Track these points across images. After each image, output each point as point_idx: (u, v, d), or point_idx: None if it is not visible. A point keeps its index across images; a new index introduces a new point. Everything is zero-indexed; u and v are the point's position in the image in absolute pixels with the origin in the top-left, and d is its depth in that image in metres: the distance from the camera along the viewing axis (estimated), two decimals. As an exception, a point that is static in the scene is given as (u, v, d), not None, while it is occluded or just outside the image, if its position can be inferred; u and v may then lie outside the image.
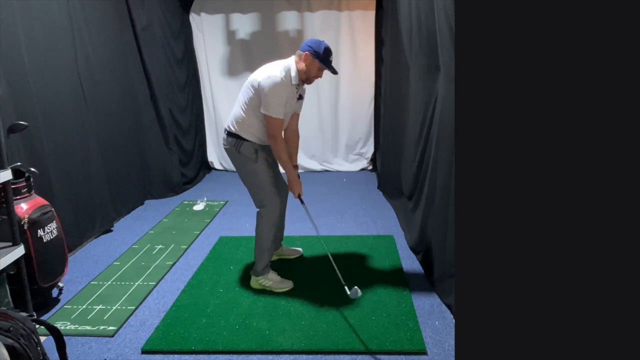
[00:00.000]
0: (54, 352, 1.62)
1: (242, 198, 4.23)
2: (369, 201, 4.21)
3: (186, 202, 4.29)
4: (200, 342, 2.10)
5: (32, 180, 2.41)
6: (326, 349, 2.04)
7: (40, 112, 2.82)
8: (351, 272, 2.71)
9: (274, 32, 5.04)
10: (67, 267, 2.56)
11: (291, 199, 2.70)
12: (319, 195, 4.35)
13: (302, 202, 2.60)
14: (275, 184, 2.52)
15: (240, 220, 3.79)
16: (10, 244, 2.11)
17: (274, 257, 2.89)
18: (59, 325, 2.26)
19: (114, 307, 2.43)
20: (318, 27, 4.98)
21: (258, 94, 2.34)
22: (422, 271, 2.77)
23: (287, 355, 2.02)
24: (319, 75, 2.45)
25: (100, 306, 2.45)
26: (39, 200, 2.40)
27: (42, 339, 1.64)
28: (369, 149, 5.41)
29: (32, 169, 2.39)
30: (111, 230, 3.59)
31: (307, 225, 3.56)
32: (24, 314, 1.54)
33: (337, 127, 5.35)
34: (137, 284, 2.70)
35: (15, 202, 2.19)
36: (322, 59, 2.37)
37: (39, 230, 2.32)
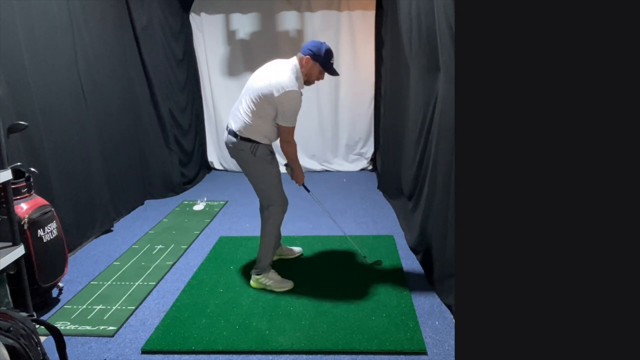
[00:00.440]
0: (54, 352, 1.61)
1: (242, 198, 4.23)
2: (369, 201, 4.21)
3: (186, 202, 4.28)
4: (200, 342, 2.10)
5: (32, 180, 2.41)
6: (326, 349, 2.04)
7: (40, 112, 2.82)
8: (351, 272, 2.75)
9: (274, 32, 5.04)
10: (67, 267, 2.56)
11: (292, 199, 2.71)
12: (319, 196, 4.32)
13: (307, 189, 2.75)
14: (281, 183, 2.58)
15: (240, 220, 3.78)
16: (10, 244, 2.11)
17: (275, 257, 2.89)
18: (59, 325, 2.26)
19: (114, 307, 2.44)
20: (318, 27, 4.98)
21: (273, 104, 2.32)
22: (422, 271, 2.77)
23: (287, 355, 2.02)
24: (320, 77, 2.45)
25: (100, 306, 2.45)
26: (39, 200, 2.40)
27: (42, 339, 1.64)
28: (369, 149, 5.41)
29: (32, 169, 2.39)
30: (111, 230, 3.59)
31: (307, 225, 3.58)
32: (24, 314, 1.54)
33: (337, 127, 5.34)
34: (137, 284, 2.70)
35: (15, 202, 2.19)
36: (323, 62, 2.37)
37: (39, 230, 2.32)
